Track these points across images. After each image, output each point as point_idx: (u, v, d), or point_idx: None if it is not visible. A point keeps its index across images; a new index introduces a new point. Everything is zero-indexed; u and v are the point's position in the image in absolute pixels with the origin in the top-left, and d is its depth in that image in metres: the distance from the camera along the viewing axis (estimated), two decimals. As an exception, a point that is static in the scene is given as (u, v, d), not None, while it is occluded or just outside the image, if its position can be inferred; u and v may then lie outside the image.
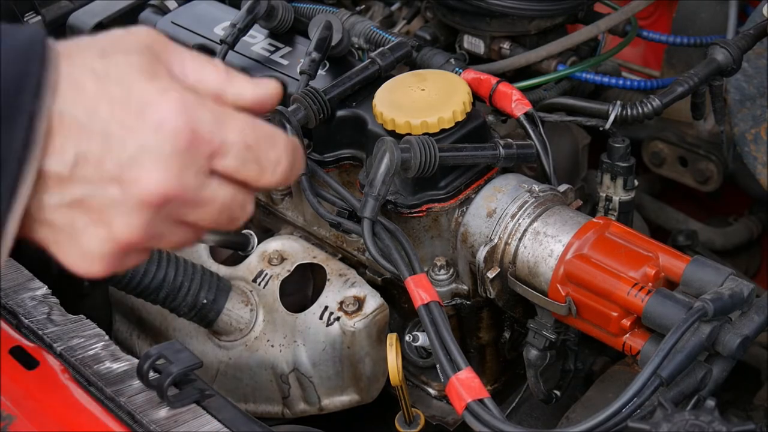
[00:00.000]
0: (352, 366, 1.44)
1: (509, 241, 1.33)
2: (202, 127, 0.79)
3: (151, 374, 1.16)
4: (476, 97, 1.46)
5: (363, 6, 1.86)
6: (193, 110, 0.79)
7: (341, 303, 1.44)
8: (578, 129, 1.79)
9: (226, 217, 0.84)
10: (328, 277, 1.48)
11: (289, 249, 1.54)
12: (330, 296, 1.46)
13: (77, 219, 0.78)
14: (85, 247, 0.79)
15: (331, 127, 1.45)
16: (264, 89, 0.88)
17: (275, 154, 0.84)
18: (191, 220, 0.83)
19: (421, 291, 1.23)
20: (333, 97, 1.42)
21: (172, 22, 1.70)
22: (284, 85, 1.53)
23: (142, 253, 0.83)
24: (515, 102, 1.45)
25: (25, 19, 1.92)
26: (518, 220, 1.33)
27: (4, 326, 1.27)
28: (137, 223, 0.78)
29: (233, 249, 1.60)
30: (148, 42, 0.83)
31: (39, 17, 1.93)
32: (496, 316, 1.47)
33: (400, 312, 1.52)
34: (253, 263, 1.53)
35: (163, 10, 1.81)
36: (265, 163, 0.83)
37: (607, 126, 1.48)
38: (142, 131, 0.77)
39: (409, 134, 1.33)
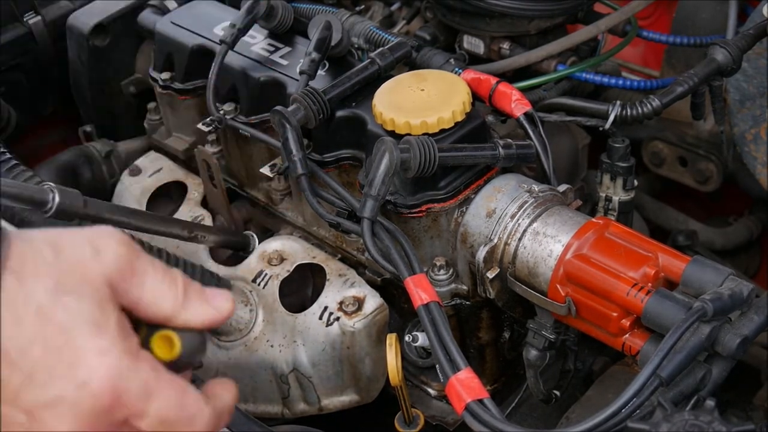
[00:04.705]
0: (351, 366, 1.44)
1: (509, 242, 1.33)
2: (126, 396, 0.79)
3: (151, 374, 1.16)
4: (476, 97, 1.46)
5: (363, 6, 1.86)
6: (123, 378, 0.79)
7: (341, 303, 1.44)
8: (578, 129, 1.79)
9: None
10: (327, 277, 1.48)
11: (288, 249, 1.54)
12: (330, 296, 1.46)
13: None
14: None
15: (331, 127, 1.45)
16: (216, 313, 0.88)
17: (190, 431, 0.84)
18: None
19: (420, 291, 1.23)
20: (333, 97, 1.42)
21: (172, 22, 1.70)
22: (284, 85, 1.53)
23: None
24: (515, 102, 1.45)
25: (24, 19, 1.92)
26: (518, 220, 1.33)
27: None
28: None
29: (234, 250, 1.60)
30: (110, 273, 0.81)
31: (39, 17, 1.94)
32: (495, 316, 1.47)
33: (400, 312, 1.52)
34: (252, 263, 1.53)
35: (162, 10, 1.81)
36: None
37: (607, 126, 1.48)
38: (65, 383, 0.77)
39: (409, 134, 1.33)
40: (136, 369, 0.80)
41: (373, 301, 1.43)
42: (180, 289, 0.86)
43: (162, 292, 0.85)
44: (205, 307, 0.88)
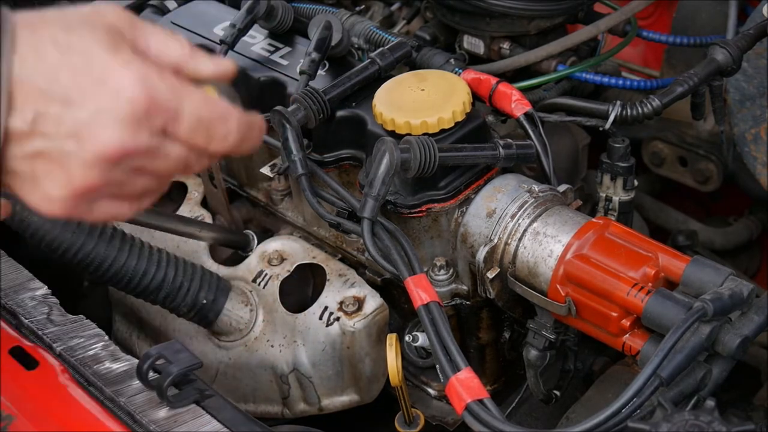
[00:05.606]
0: (351, 366, 1.44)
1: (509, 242, 1.33)
2: (159, 96, 0.85)
3: (151, 374, 1.17)
4: (476, 97, 1.46)
5: (363, 6, 1.86)
6: (152, 81, 0.85)
7: (341, 303, 1.44)
8: (578, 129, 1.79)
9: (183, 167, 0.92)
10: (327, 277, 1.48)
11: (288, 249, 1.54)
12: (330, 296, 1.46)
13: (38, 167, 0.85)
14: (46, 191, 0.86)
15: (331, 127, 1.45)
16: (222, 66, 0.95)
17: (225, 129, 0.91)
18: (149, 170, 0.89)
19: (420, 291, 1.23)
20: (333, 97, 1.42)
21: (172, 22, 1.70)
22: (284, 85, 1.53)
23: (110, 200, 0.89)
24: (515, 102, 1.45)
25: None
26: (518, 220, 1.33)
27: (4, 326, 1.27)
28: (93, 173, 0.85)
29: (234, 248, 1.60)
30: (114, 20, 0.88)
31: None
32: (495, 316, 1.47)
33: (400, 312, 1.52)
34: (252, 263, 1.53)
35: (162, 10, 1.80)
36: (215, 135, 0.90)
37: (607, 126, 1.48)
38: (101, 96, 0.83)
39: (409, 134, 1.33)
40: (161, 76, 0.86)
41: (373, 301, 1.43)
42: (184, 41, 0.93)
43: (168, 41, 0.92)
44: (211, 60, 0.94)
